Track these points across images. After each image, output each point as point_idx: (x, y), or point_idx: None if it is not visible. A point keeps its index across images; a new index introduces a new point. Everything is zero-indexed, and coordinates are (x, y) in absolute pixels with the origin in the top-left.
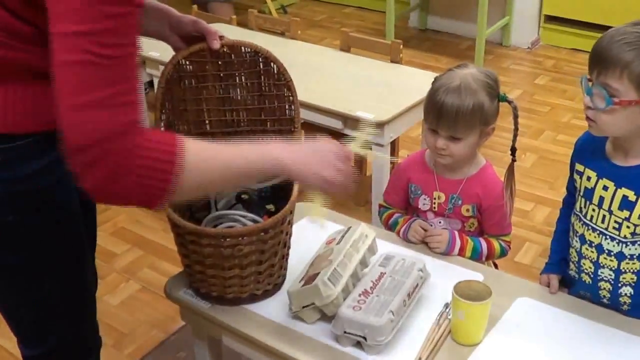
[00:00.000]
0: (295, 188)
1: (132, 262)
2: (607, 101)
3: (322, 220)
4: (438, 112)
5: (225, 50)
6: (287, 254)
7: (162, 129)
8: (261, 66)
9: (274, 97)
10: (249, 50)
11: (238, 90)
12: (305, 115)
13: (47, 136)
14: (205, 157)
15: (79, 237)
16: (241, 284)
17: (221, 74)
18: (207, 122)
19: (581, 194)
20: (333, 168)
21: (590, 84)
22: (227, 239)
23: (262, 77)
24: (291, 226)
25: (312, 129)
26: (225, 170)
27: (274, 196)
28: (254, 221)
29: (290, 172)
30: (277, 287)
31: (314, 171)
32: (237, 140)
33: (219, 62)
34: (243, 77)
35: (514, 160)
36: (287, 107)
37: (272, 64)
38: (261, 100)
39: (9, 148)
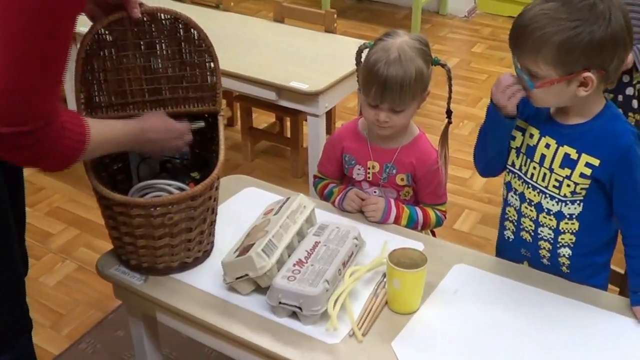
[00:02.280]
0: (222, 154)
1: (68, 241)
2: (529, 85)
3: None
4: (382, 86)
5: (145, 18)
6: (215, 221)
7: (82, 100)
8: (181, 33)
9: (195, 64)
10: (169, 17)
11: (159, 58)
12: (239, 87)
13: None
14: (103, 135)
15: (4, 221)
16: (172, 252)
17: (142, 43)
18: (128, 92)
19: (523, 151)
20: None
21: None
22: (157, 208)
23: (183, 44)
24: (218, 192)
25: (247, 100)
26: (114, 143)
27: (197, 164)
28: (180, 189)
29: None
30: (207, 254)
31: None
32: (154, 109)
33: (139, 31)
34: (164, 45)
35: (449, 122)
36: (208, 74)
37: (192, 30)
38: (182, 67)
39: None
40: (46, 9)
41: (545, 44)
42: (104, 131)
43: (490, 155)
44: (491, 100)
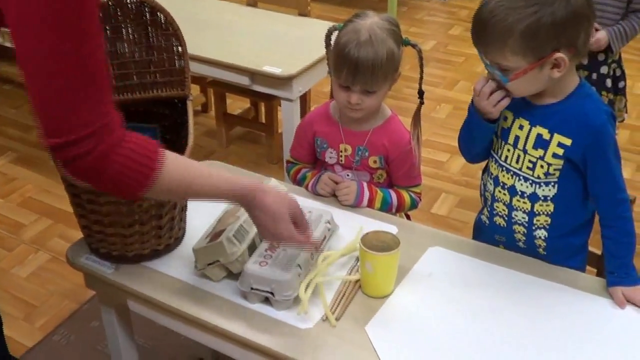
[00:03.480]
0: (191, 139)
1: (41, 232)
2: (503, 79)
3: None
4: (354, 68)
5: (110, 2)
6: (186, 207)
7: None
8: (148, 16)
9: (162, 48)
10: (134, 0)
11: (125, 43)
12: (212, 73)
13: None
14: (180, 171)
15: None
16: (142, 240)
17: (107, 27)
18: None
19: (497, 134)
20: (288, 227)
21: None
22: None
23: (149, 27)
24: None
25: (220, 86)
26: (189, 188)
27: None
28: None
29: (259, 205)
30: (178, 240)
31: (275, 223)
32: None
33: (104, 15)
34: (130, 29)
35: (421, 103)
36: (176, 58)
37: (158, 13)
38: (150, 52)
39: None
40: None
41: (509, 35)
42: (181, 165)
43: (477, 150)
44: (472, 102)
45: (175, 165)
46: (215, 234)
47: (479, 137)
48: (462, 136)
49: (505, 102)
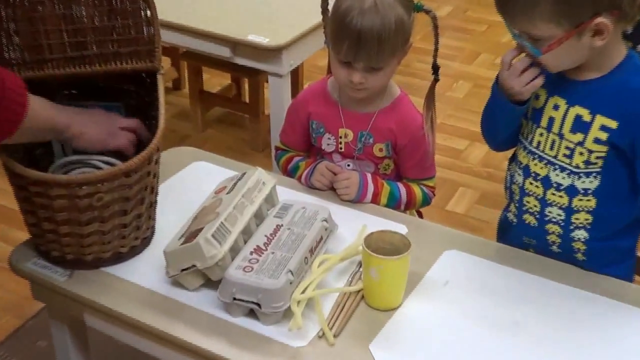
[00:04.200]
0: (162, 120)
1: None
2: (534, 52)
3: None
4: (356, 40)
5: None
6: (156, 201)
7: None
8: None
9: (127, 12)
10: None
11: (82, 6)
12: (187, 43)
13: None
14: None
15: None
16: (103, 241)
17: None
18: (45, 46)
19: (528, 115)
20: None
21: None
22: (84, 187)
23: None
24: (158, 167)
25: (196, 59)
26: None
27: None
28: (110, 164)
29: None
30: (146, 241)
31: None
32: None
33: None
34: None
35: (436, 79)
36: (144, 24)
37: None
38: (112, 17)
39: None
40: None
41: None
42: (44, 107)
43: (504, 137)
44: (496, 80)
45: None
46: (190, 234)
47: (505, 121)
48: (485, 120)
49: (539, 81)
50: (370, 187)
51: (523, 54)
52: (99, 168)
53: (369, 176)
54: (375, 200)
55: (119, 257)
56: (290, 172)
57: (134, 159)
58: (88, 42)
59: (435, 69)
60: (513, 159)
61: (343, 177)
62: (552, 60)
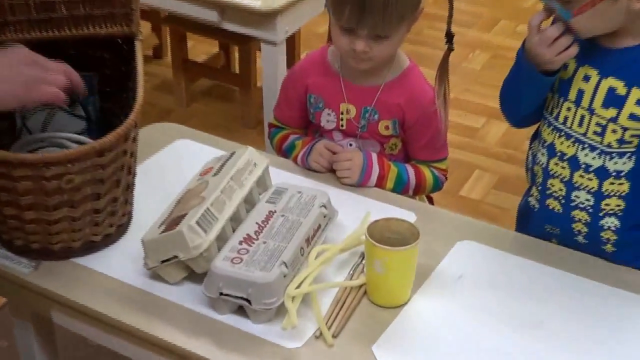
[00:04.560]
0: (140, 92)
1: None
2: (564, 15)
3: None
4: (359, 4)
5: None
6: (133, 184)
7: None
8: None
9: None
10: None
11: None
12: (169, 5)
13: None
14: None
15: None
16: (73, 228)
17: None
18: (7, 6)
19: (554, 88)
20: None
21: None
22: (51, 167)
23: None
24: (136, 145)
25: (180, 23)
26: None
27: (109, 109)
28: (81, 143)
29: None
30: (122, 229)
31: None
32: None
33: None
34: None
35: (450, 49)
36: None
37: None
38: None
39: None
40: None
41: None
42: None
43: (527, 112)
44: (522, 47)
45: None
46: (172, 221)
47: (530, 94)
48: (507, 92)
49: (574, 50)
50: (375, 169)
51: (558, 23)
52: (68, 147)
53: (373, 156)
54: (380, 183)
55: (92, 247)
56: (285, 151)
57: (109, 135)
58: (56, 3)
59: (449, 37)
60: (536, 136)
61: (344, 157)
62: (584, 24)
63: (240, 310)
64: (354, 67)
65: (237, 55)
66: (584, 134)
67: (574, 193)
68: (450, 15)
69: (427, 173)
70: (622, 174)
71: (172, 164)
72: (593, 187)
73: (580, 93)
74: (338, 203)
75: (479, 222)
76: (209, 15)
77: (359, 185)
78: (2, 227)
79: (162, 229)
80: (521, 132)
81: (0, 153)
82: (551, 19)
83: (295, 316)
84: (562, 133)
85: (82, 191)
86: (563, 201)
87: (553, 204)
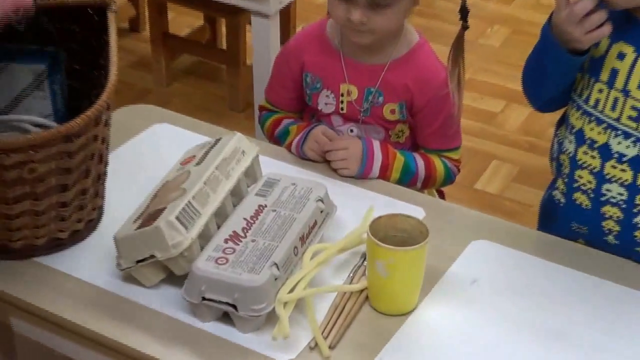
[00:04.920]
0: (113, 70)
1: None
2: None
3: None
4: None
5: None
6: (105, 174)
7: None
8: None
9: None
10: None
11: None
12: None
13: None
14: None
15: None
16: (36, 224)
17: None
18: None
19: (584, 67)
20: None
21: None
22: (11, 155)
23: None
24: (109, 130)
25: None
26: None
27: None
28: (46, 127)
29: None
30: (92, 225)
31: None
32: None
33: None
34: None
35: (464, 27)
36: None
37: None
38: None
39: None
40: None
41: None
42: None
43: (553, 94)
44: (549, 21)
45: None
46: (149, 216)
47: (556, 75)
48: (530, 72)
49: (606, 29)
50: (378, 157)
51: None
52: (29, 131)
53: (375, 144)
54: (384, 174)
55: (57, 245)
56: (277, 137)
57: (77, 119)
58: None
59: (464, 12)
60: (562, 122)
61: (339, 145)
62: None
63: (226, 318)
64: (356, 43)
65: (224, 29)
66: (617, 119)
67: (605, 186)
68: None
69: (437, 163)
70: None
71: (150, 152)
72: (627, 180)
73: (614, 73)
74: (337, 197)
75: (496, 219)
76: None
77: (360, 176)
78: None
79: (138, 225)
80: (545, 117)
81: None
82: None
83: (288, 325)
84: (593, 118)
85: (46, 182)
86: (592, 195)
87: (581, 198)
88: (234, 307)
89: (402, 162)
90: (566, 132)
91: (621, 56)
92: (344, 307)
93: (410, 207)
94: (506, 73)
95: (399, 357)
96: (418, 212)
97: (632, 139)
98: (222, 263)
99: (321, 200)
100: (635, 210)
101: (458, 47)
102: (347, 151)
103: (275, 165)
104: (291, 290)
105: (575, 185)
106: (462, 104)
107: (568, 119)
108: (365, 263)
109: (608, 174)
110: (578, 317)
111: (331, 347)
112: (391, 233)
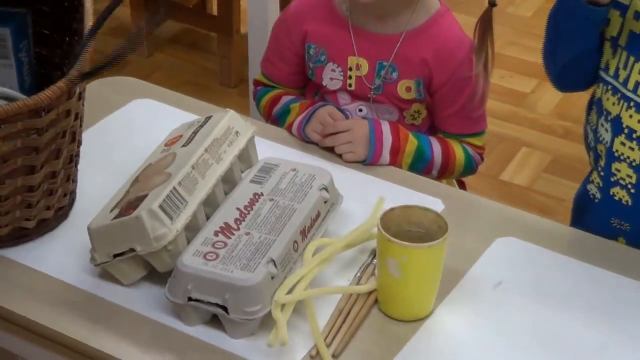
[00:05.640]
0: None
1: None
2: None
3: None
4: None
5: None
6: (78, 155)
7: None
8: None
9: None
10: None
11: None
12: None
13: None
14: None
15: None
16: None
17: None
18: None
19: (622, 44)
20: None
21: None
22: None
23: None
24: (82, 105)
25: None
26: None
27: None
28: (11, 99)
29: None
30: (63, 213)
31: None
32: None
33: None
34: None
35: (492, 4)
36: None
37: None
38: None
39: None
40: None
41: None
42: None
43: (563, 60)
44: None
45: None
46: (128, 204)
47: (570, 31)
48: (546, 33)
49: None
50: (387, 139)
51: None
52: None
53: (384, 125)
54: (394, 159)
55: (22, 236)
56: (276, 117)
57: (46, 90)
58: None
59: None
60: (591, 106)
61: (341, 126)
62: None
63: (215, 321)
64: (362, 6)
65: None
66: None
67: None
68: None
69: (457, 150)
70: None
71: (129, 130)
72: None
73: None
74: (343, 185)
75: (524, 214)
76: None
77: (369, 162)
78: None
79: (115, 214)
80: (583, 99)
81: None
82: None
83: (285, 330)
84: (632, 104)
85: (10, 162)
86: (633, 190)
87: (620, 193)
88: (224, 309)
89: (415, 145)
90: (602, 119)
91: None
92: (349, 311)
93: (427, 198)
94: (538, 47)
95: None
96: (436, 204)
97: None
98: (211, 259)
99: (325, 189)
100: None
101: (485, 25)
102: (351, 133)
103: (273, 149)
104: (290, 291)
105: (613, 179)
106: (489, 83)
107: (601, 103)
108: (374, 261)
109: None
110: (619, 328)
111: (335, 356)
112: (405, 227)
